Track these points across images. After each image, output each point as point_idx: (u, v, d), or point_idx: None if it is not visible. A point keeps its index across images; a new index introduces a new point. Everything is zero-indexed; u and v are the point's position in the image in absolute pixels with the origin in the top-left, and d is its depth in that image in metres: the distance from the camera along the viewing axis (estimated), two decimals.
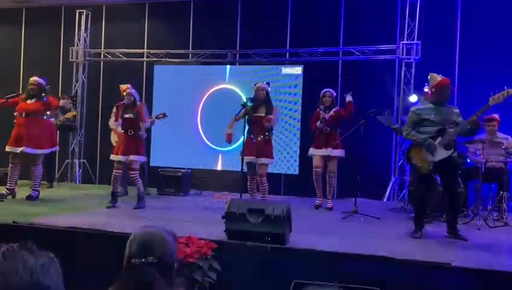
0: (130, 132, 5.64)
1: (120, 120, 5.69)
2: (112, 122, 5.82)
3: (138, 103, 5.77)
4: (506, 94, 4.07)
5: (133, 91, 5.77)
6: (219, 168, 8.06)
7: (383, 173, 7.43)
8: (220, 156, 8.10)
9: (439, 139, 4.29)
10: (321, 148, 6.07)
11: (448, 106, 4.47)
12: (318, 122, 6.01)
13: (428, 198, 4.62)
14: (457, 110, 4.48)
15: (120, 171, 5.66)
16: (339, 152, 6.04)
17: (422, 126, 4.38)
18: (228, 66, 8.31)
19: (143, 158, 5.84)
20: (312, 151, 6.19)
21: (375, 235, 4.50)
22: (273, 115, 5.74)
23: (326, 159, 6.10)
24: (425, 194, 4.50)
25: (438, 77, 4.44)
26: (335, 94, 6.29)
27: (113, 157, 5.67)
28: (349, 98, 5.99)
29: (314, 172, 6.15)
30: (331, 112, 6.05)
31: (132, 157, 5.60)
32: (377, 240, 4.28)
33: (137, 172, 5.70)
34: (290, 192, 7.60)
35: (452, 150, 4.36)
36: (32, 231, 4.26)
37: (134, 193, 5.95)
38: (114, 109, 6.02)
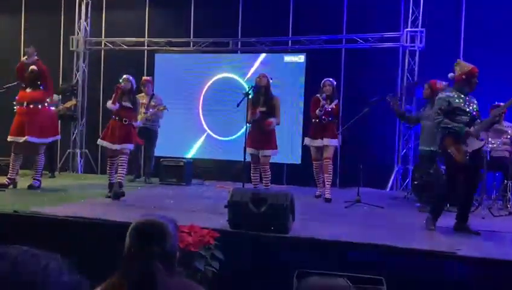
0: (125, 121, 5.59)
1: (117, 104, 5.59)
2: (109, 103, 5.68)
3: (135, 90, 5.76)
4: None
5: (131, 78, 5.70)
6: (221, 157, 8.02)
7: (386, 162, 7.38)
8: (221, 145, 8.05)
9: (472, 129, 4.14)
10: (317, 139, 5.97)
11: (471, 96, 4.33)
12: (317, 110, 5.92)
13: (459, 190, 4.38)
14: (476, 101, 4.37)
15: (114, 159, 5.59)
16: (335, 142, 5.95)
17: (454, 114, 4.17)
18: (230, 55, 8.22)
19: (132, 146, 5.74)
20: (308, 141, 6.09)
21: (379, 224, 4.47)
22: (275, 118, 5.67)
23: (322, 148, 6.01)
24: (457, 186, 4.27)
25: (469, 65, 4.28)
26: (335, 83, 6.20)
27: (105, 144, 5.58)
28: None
29: (314, 165, 6.10)
30: (333, 104, 5.95)
31: (126, 145, 5.56)
32: (381, 229, 4.24)
33: (126, 157, 5.61)
34: (292, 181, 7.55)
35: (484, 141, 4.26)
36: (34, 221, 4.24)
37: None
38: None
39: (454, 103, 4.18)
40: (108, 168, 5.67)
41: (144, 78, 7.40)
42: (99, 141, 5.68)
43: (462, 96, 4.23)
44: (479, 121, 4.23)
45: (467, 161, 4.12)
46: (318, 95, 6.02)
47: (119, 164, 5.58)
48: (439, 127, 4.24)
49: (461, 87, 4.26)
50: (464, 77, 4.23)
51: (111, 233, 3.89)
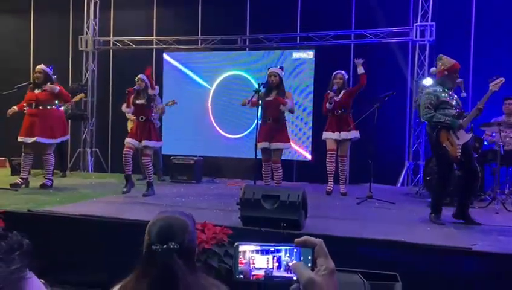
0: (142, 118, 5.65)
1: (132, 107, 5.67)
2: (124, 107, 5.77)
3: (149, 89, 5.74)
4: (499, 83, 4.13)
5: (144, 77, 5.74)
6: (231, 155, 8.02)
7: (396, 158, 7.33)
8: (231, 143, 8.05)
9: (461, 122, 4.23)
10: (334, 132, 6.00)
11: (452, 92, 4.42)
12: (327, 104, 5.92)
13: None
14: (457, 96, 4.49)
15: (130, 150, 5.59)
16: (353, 134, 5.95)
17: (441, 109, 4.26)
18: (238, 52, 8.21)
19: (155, 143, 5.76)
20: (325, 135, 6.12)
21: (391, 221, 4.45)
22: (288, 99, 5.65)
23: (339, 142, 6.02)
24: (450, 179, 4.43)
25: (451, 60, 4.35)
26: (347, 76, 6.20)
27: (127, 140, 5.66)
28: (361, 70, 5.89)
29: (328, 155, 6.07)
30: (341, 94, 5.96)
31: (144, 142, 5.59)
32: (394, 225, 4.22)
33: (150, 158, 5.69)
34: (302, 178, 7.54)
35: (471, 133, 4.34)
36: (47, 219, 4.27)
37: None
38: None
39: (441, 96, 4.27)
40: (123, 159, 5.63)
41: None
42: (126, 140, 5.67)
43: (446, 90, 4.32)
44: (468, 114, 4.31)
45: (459, 154, 4.19)
46: (329, 91, 6.02)
47: (144, 165, 5.76)
48: (432, 122, 4.29)
49: (443, 82, 4.35)
50: (446, 72, 4.32)
51: (124, 231, 3.92)
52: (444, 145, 4.23)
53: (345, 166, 6.13)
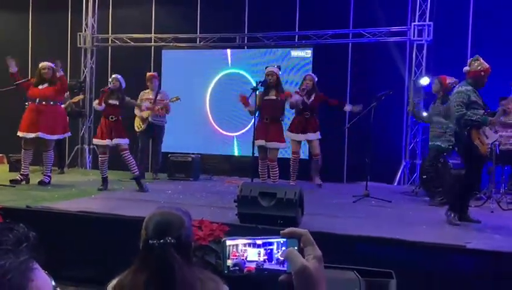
0: (112, 118, 5.73)
1: (103, 105, 5.74)
2: (95, 104, 5.92)
3: (123, 89, 5.91)
4: None
5: (119, 78, 5.83)
6: (228, 153, 8.05)
7: (393, 157, 7.36)
8: (229, 141, 8.08)
9: (490, 118, 4.32)
10: (298, 133, 6.15)
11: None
12: (297, 96, 5.99)
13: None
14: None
15: (106, 155, 5.81)
16: (316, 135, 6.15)
17: (472, 108, 4.29)
18: (237, 50, 8.23)
19: (126, 140, 5.88)
20: (288, 134, 6.24)
21: (387, 219, 4.48)
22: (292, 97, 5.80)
23: (308, 142, 6.27)
24: (478, 177, 4.48)
25: (485, 62, 4.42)
26: (316, 79, 6.31)
27: (96, 142, 5.82)
28: (348, 109, 6.21)
29: (292, 158, 6.27)
30: (312, 97, 6.07)
31: (116, 140, 5.73)
32: (390, 223, 4.26)
33: (128, 151, 5.79)
34: (298, 176, 7.48)
35: (498, 134, 4.46)
36: (45, 216, 4.30)
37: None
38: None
39: (472, 96, 4.31)
40: (100, 164, 5.88)
41: (149, 73, 7.42)
42: (94, 141, 5.84)
43: (476, 91, 4.37)
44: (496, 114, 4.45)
45: (489, 153, 4.28)
46: (298, 90, 6.19)
47: (126, 160, 5.79)
48: (462, 119, 4.30)
49: (476, 82, 4.38)
50: (482, 73, 4.37)
51: (122, 227, 3.95)
52: (475, 143, 4.27)
53: (319, 161, 6.28)
